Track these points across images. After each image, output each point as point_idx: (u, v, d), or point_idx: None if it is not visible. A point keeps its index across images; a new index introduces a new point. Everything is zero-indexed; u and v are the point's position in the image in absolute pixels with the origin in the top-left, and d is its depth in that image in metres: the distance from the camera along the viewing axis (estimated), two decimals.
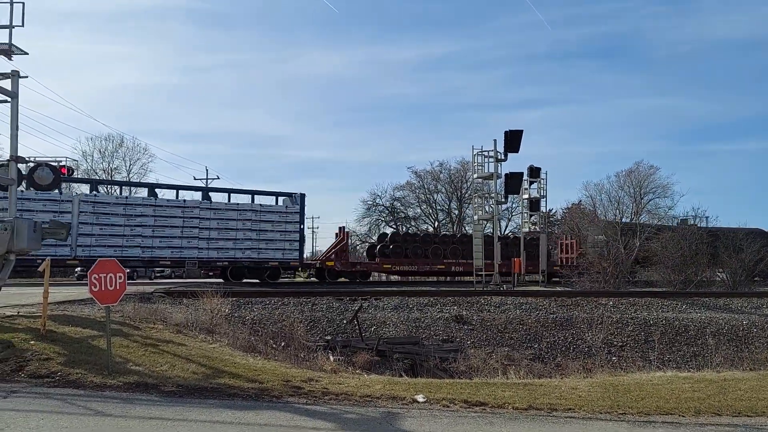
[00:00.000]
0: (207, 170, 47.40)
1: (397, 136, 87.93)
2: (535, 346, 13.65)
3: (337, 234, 24.76)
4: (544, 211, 25.57)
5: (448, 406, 5.83)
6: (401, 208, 48.36)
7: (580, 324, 14.63)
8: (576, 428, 5.24)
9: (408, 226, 46.86)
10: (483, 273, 21.34)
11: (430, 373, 10.58)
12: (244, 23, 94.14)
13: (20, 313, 9.22)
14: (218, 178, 57.62)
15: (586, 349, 13.69)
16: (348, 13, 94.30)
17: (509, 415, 5.61)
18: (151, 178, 44.52)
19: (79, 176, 35.90)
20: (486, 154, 21.80)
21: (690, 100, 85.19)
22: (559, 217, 44.12)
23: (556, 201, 51.78)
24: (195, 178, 49.55)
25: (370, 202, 48.52)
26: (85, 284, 6.72)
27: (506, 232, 42.75)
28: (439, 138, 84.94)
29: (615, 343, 14.12)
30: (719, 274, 23.63)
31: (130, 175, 44.95)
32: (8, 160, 9.46)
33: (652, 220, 37.43)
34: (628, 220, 38.68)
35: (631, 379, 7.67)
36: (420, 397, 6.06)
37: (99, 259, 6.59)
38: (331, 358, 10.66)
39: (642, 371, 10.01)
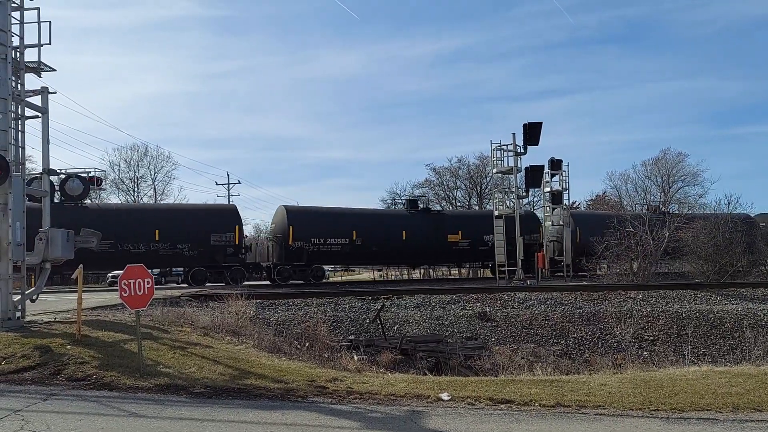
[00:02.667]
0: (228, 175, 48.55)
1: (415, 133, 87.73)
2: (562, 342, 13.36)
3: None
4: (567, 203, 24.97)
5: (473, 404, 5.76)
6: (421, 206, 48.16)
7: (608, 318, 14.25)
8: (606, 425, 5.09)
9: None
10: (506, 269, 21.03)
11: (454, 371, 10.50)
12: (258, 28, 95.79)
13: (57, 319, 9.62)
14: (239, 183, 58.40)
15: (616, 344, 13.32)
16: (360, 12, 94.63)
17: (536, 412, 5.50)
18: (174, 185, 45.95)
19: (106, 186, 37.27)
20: (505, 148, 21.47)
21: (719, 81, 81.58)
22: (583, 210, 43.08)
23: (580, 193, 50.67)
24: (217, 183, 50.98)
25: (390, 201, 48.58)
26: (116, 290, 6.95)
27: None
28: (458, 133, 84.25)
29: (646, 337, 13.68)
30: (763, 263, 22.52)
31: (155, 183, 46.45)
32: (41, 173, 9.90)
33: (682, 209, 36.13)
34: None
35: (664, 375, 7.40)
36: (445, 396, 6.01)
37: (128, 265, 6.81)
38: (355, 357, 10.72)
39: (675, 366, 9.66)
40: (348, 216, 23.95)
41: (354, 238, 22.47)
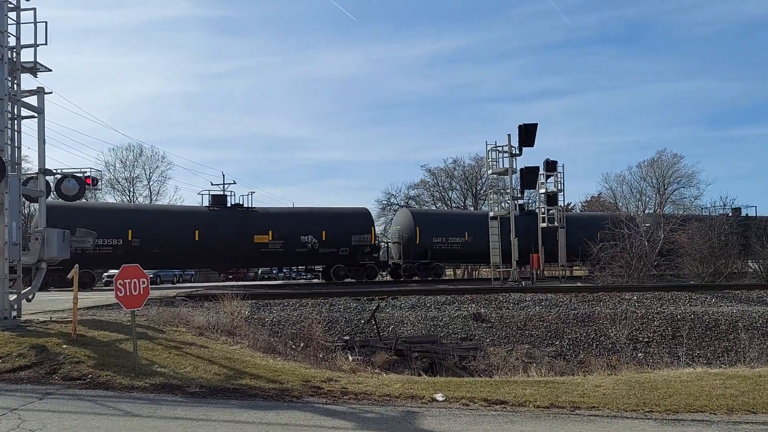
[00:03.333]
0: (224, 175, 48.49)
1: (414, 134, 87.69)
2: (557, 343, 13.44)
3: None
4: (562, 205, 25.10)
5: (467, 405, 5.80)
6: (416, 207, 48.35)
7: (603, 320, 14.33)
8: (600, 427, 5.14)
9: None
10: (501, 270, 21.11)
11: (449, 372, 10.55)
12: (257, 29, 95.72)
13: (53, 319, 9.60)
14: (234, 183, 58.42)
15: (610, 345, 13.41)
16: (359, 12, 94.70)
17: (530, 413, 5.55)
18: (170, 185, 45.99)
19: (102, 186, 37.24)
20: (500, 149, 21.56)
21: (719, 82, 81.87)
22: (578, 211, 43.29)
23: (575, 194, 50.95)
24: (212, 183, 50.89)
25: (385, 202, 48.71)
26: (112, 290, 6.95)
27: None
28: (456, 133, 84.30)
29: (641, 339, 13.77)
30: (751, 265, 22.77)
31: (150, 183, 46.40)
32: (37, 173, 9.89)
33: (677, 210, 36.41)
34: (651, 212, 37.73)
35: (658, 376, 7.46)
36: (439, 396, 6.05)
37: (123, 265, 6.81)
38: (350, 358, 10.75)
39: (670, 368, 9.74)
40: (122, 213, 21.08)
41: (130, 238, 19.76)
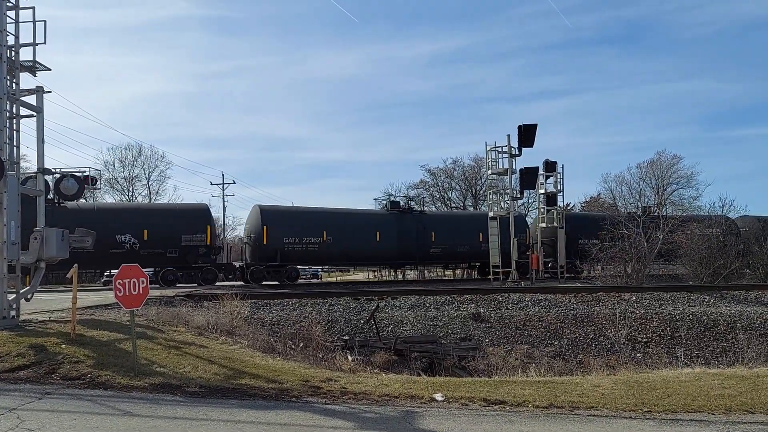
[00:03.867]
0: (223, 175, 48.47)
1: (414, 134, 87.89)
2: (556, 343, 13.45)
3: None
4: (561, 205, 25.12)
5: (466, 405, 5.81)
6: (416, 207, 48.36)
7: (602, 320, 14.35)
8: (599, 427, 5.15)
9: None
10: (500, 270, 21.13)
11: (448, 372, 10.56)
12: (256, 29, 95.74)
13: (51, 319, 9.60)
14: (234, 183, 58.35)
15: (609, 345, 13.42)
16: (359, 12, 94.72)
17: (529, 413, 5.56)
18: (169, 185, 46.01)
19: (101, 185, 37.16)
20: (500, 149, 21.58)
21: (718, 82, 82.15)
22: (578, 211, 43.32)
23: (575, 194, 51.12)
24: (212, 183, 50.98)
25: (385, 202, 48.73)
26: (111, 289, 6.95)
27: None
28: (456, 133, 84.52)
29: (639, 339, 13.79)
30: (748, 272, 22.79)
31: (150, 183, 46.36)
32: (36, 173, 9.88)
33: (676, 211, 36.48)
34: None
35: (657, 376, 7.46)
36: (438, 396, 6.06)
37: (123, 265, 6.81)
38: (350, 357, 10.75)
39: (668, 368, 9.74)
40: None
41: None
